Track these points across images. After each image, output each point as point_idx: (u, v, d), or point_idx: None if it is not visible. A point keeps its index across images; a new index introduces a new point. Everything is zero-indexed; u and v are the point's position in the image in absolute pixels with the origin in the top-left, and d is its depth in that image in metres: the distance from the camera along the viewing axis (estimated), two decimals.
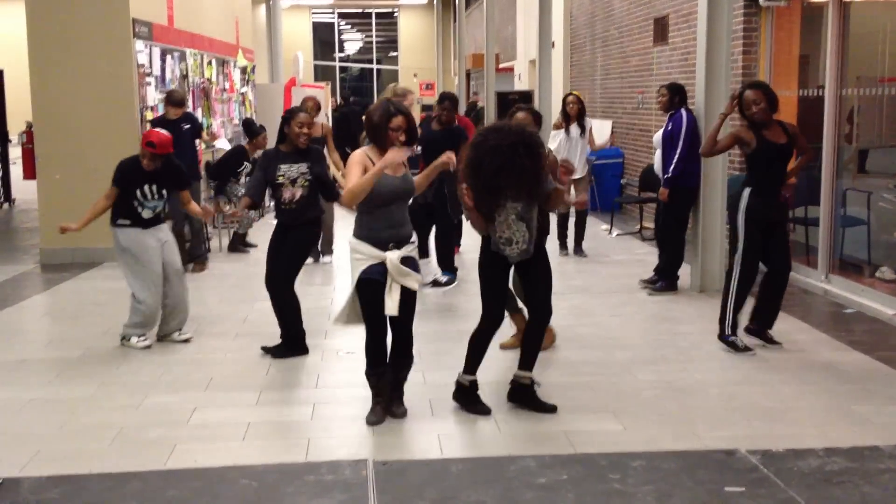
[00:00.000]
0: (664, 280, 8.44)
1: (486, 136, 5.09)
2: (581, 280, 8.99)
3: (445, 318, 7.51)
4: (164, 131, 6.77)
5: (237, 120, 14.73)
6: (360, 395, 5.46)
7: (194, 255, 9.61)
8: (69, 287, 8.90)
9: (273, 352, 6.45)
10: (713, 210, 8.27)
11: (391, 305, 5.03)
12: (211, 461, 4.66)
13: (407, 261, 5.12)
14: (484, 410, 5.23)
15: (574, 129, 10.29)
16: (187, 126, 9.60)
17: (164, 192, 6.72)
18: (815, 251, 8.75)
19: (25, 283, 9.18)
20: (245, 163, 11.08)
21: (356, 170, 5.05)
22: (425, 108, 24.11)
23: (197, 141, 10.12)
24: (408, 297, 5.13)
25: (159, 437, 5.00)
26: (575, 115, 10.29)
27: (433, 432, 4.99)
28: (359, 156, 5.15)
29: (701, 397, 5.56)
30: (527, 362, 5.29)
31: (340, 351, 6.56)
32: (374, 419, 5.15)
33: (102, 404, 5.56)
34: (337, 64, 39.04)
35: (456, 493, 3.60)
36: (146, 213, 6.64)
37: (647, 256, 10.12)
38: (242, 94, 15.32)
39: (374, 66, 39.69)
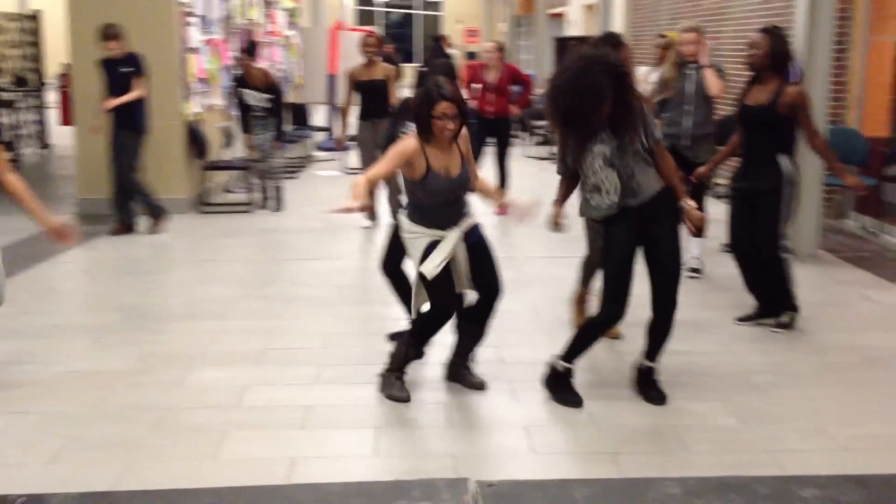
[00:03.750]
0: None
1: (561, 69, 4.41)
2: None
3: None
4: None
5: (282, 65, 14.02)
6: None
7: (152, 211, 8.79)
8: (107, 241, 8.31)
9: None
10: (807, 169, 7.47)
11: (462, 276, 4.62)
12: (264, 451, 4.06)
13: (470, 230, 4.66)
14: (576, 401, 4.57)
15: None
16: (128, 69, 8.36)
17: None
18: None
19: None
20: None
21: (393, 160, 4.48)
22: (469, 55, 23.18)
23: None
24: (483, 257, 4.68)
25: (207, 422, 4.39)
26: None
27: (519, 426, 4.34)
28: (411, 147, 4.49)
29: (823, 382, 4.85)
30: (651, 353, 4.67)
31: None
32: (407, 395, 4.66)
33: (142, 380, 4.96)
34: (377, 9, 37.98)
35: None
36: None
37: (722, 215, 9.36)
38: (287, 37, 14.57)
39: (417, 12, 38.62)
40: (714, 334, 5.65)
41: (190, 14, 9.71)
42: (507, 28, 26.78)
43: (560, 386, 4.63)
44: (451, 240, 4.54)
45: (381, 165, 4.49)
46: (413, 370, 4.82)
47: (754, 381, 4.91)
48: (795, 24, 7.68)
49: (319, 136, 14.58)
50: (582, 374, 4.86)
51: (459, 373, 4.84)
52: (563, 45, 14.56)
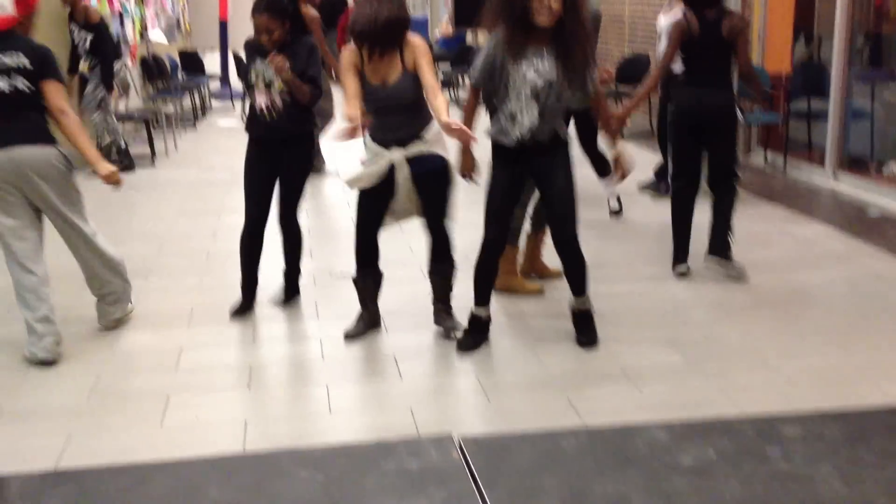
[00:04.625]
0: (667, 182, 7.78)
1: None
2: None
3: None
4: None
5: (171, 11, 13.48)
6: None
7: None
8: None
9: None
10: None
11: (400, 204, 4.54)
12: (214, 414, 3.92)
13: (420, 158, 4.47)
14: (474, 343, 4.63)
15: None
16: None
17: None
18: (816, 146, 8.22)
19: None
20: None
21: (346, 73, 4.42)
22: None
23: None
24: (431, 189, 4.53)
25: (146, 388, 4.21)
26: None
27: (471, 374, 4.31)
28: (348, 56, 4.44)
29: (758, 318, 4.96)
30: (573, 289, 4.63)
31: (334, 271, 5.79)
32: (350, 332, 4.73)
33: (68, 346, 4.72)
34: None
35: (587, 483, 2.79)
36: None
37: (634, 155, 9.45)
38: None
39: None
40: (652, 274, 5.70)
41: None
42: None
43: (477, 331, 4.65)
44: (384, 159, 4.43)
45: (347, 90, 4.39)
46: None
47: (693, 317, 4.98)
48: None
49: (214, 85, 14.11)
50: (522, 319, 4.85)
51: (437, 314, 4.82)
52: None
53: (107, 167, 4.62)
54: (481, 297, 4.62)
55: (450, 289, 4.79)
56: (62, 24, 8.70)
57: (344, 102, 4.38)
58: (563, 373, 4.33)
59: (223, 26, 13.95)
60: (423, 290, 5.12)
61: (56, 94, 4.50)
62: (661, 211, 7.17)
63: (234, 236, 5.16)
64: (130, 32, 11.01)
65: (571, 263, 4.54)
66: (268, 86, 4.84)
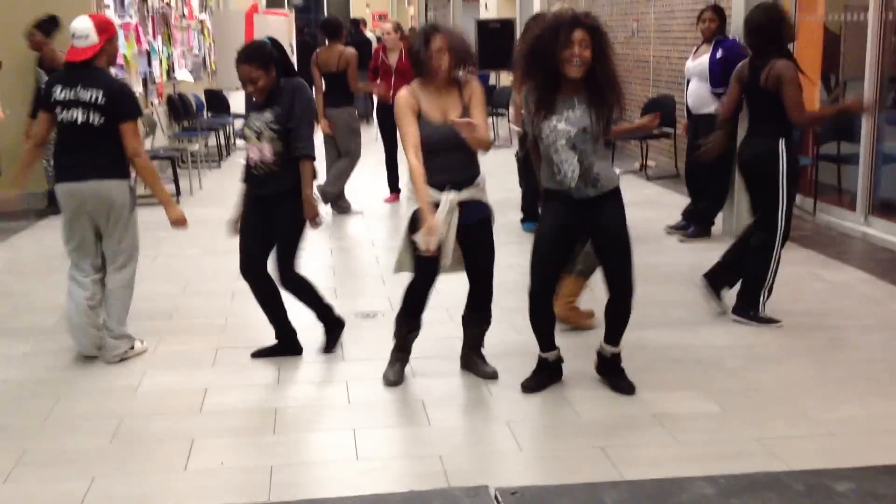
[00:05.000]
0: (696, 225, 7.69)
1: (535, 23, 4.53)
2: None
3: None
4: None
5: (197, 50, 13.56)
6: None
7: None
8: (28, 238, 7.86)
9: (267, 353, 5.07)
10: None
11: (448, 255, 4.37)
12: (239, 459, 3.83)
13: (470, 205, 4.40)
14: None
15: None
16: None
17: None
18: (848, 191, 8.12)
19: None
20: None
21: (404, 119, 4.38)
22: (378, 38, 22.85)
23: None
24: (481, 239, 4.48)
25: (170, 431, 4.13)
26: None
27: (502, 421, 4.20)
28: (405, 97, 4.41)
29: (795, 365, 4.83)
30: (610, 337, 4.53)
31: (359, 314, 5.71)
32: (393, 378, 4.60)
33: (90, 386, 4.65)
34: None
35: None
36: None
37: (660, 197, 9.40)
38: (201, 21, 14.10)
39: None
40: (682, 319, 5.59)
41: None
42: (417, 12, 26.56)
43: (543, 373, 4.55)
44: (445, 205, 4.29)
45: (406, 138, 4.34)
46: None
47: (728, 365, 4.85)
48: (733, 3, 7.70)
49: (238, 123, 14.14)
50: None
51: (470, 361, 4.73)
52: (485, 28, 14.42)
53: (176, 212, 4.94)
54: (543, 344, 4.53)
55: (482, 337, 4.73)
56: (30, 69, 8.65)
57: (409, 162, 4.32)
58: (594, 420, 4.21)
59: None
60: (450, 332, 5.04)
61: (129, 136, 4.75)
62: (689, 254, 7.08)
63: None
64: (157, 71, 11.06)
65: (621, 315, 4.44)
66: (258, 138, 4.73)
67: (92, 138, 4.71)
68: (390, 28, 9.54)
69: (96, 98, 4.65)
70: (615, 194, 4.34)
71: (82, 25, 4.75)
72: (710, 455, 3.84)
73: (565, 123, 4.17)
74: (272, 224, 4.83)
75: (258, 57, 4.68)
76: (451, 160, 4.36)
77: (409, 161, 4.33)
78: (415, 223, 4.33)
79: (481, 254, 4.51)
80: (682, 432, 4.05)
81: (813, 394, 4.47)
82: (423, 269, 4.44)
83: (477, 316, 4.67)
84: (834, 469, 3.37)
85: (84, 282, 4.88)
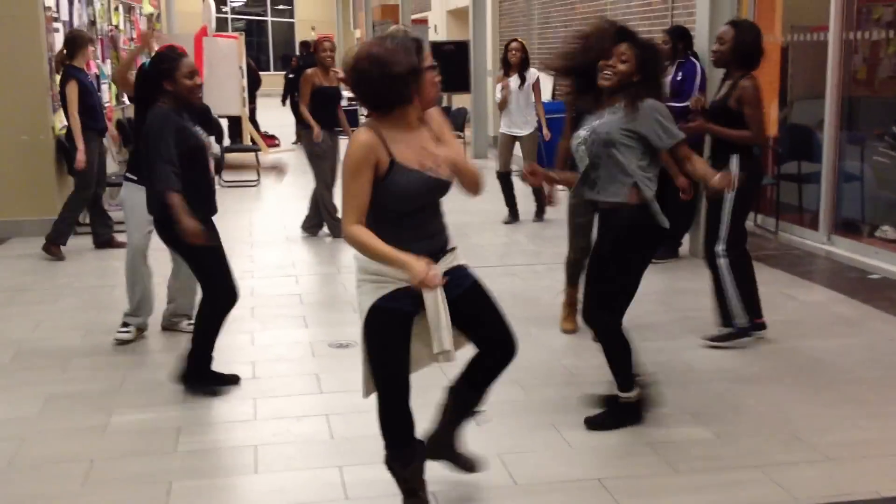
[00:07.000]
0: (663, 246, 7.64)
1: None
2: (556, 249, 7.83)
3: None
4: None
5: None
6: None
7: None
8: None
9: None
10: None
11: (444, 338, 3.27)
12: (221, 502, 3.64)
13: (454, 272, 3.39)
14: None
15: (514, 80, 9.35)
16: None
17: None
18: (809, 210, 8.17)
19: None
20: None
21: (356, 173, 3.18)
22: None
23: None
24: (481, 303, 3.45)
25: (144, 473, 3.91)
26: (517, 64, 9.33)
27: (493, 454, 4.05)
28: (364, 140, 3.19)
29: (782, 388, 4.77)
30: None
31: (333, 343, 5.54)
32: None
33: (55, 427, 4.42)
34: (227, 16, 36.96)
35: None
36: None
37: None
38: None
39: (268, 19, 37.80)
40: (658, 342, 5.50)
41: (55, 20, 8.99)
42: (364, 35, 26.46)
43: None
44: (434, 299, 3.25)
45: (351, 200, 3.18)
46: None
47: (714, 388, 4.77)
48: (697, 24, 7.71)
49: None
50: (540, 391, 4.62)
51: (447, 450, 3.67)
52: (438, 51, 14.34)
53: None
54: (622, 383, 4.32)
55: (463, 423, 3.68)
56: None
57: (353, 233, 3.18)
58: (588, 450, 4.09)
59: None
60: (432, 371, 4.88)
61: None
62: (658, 275, 7.01)
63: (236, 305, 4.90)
64: (106, 96, 10.79)
65: (603, 345, 4.33)
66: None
67: None
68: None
69: None
70: (618, 215, 4.19)
71: None
72: (711, 485, 3.74)
73: (583, 129, 4.25)
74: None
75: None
76: (428, 220, 3.35)
77: (352, 232, 3.17)
78: (372, 312, 3.29)
79: (487, 308, 3.46)
80: (680, 461, 3.95)
81: (803, 417, 4.40)
82: (393, 381, 3.37)
83: (473, 395, 3.59)
84: (843, 499, 3.32)
85: None
